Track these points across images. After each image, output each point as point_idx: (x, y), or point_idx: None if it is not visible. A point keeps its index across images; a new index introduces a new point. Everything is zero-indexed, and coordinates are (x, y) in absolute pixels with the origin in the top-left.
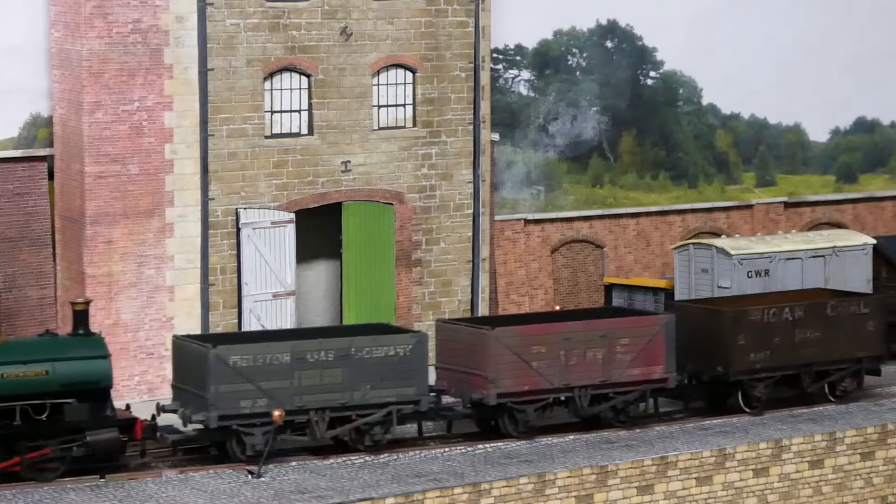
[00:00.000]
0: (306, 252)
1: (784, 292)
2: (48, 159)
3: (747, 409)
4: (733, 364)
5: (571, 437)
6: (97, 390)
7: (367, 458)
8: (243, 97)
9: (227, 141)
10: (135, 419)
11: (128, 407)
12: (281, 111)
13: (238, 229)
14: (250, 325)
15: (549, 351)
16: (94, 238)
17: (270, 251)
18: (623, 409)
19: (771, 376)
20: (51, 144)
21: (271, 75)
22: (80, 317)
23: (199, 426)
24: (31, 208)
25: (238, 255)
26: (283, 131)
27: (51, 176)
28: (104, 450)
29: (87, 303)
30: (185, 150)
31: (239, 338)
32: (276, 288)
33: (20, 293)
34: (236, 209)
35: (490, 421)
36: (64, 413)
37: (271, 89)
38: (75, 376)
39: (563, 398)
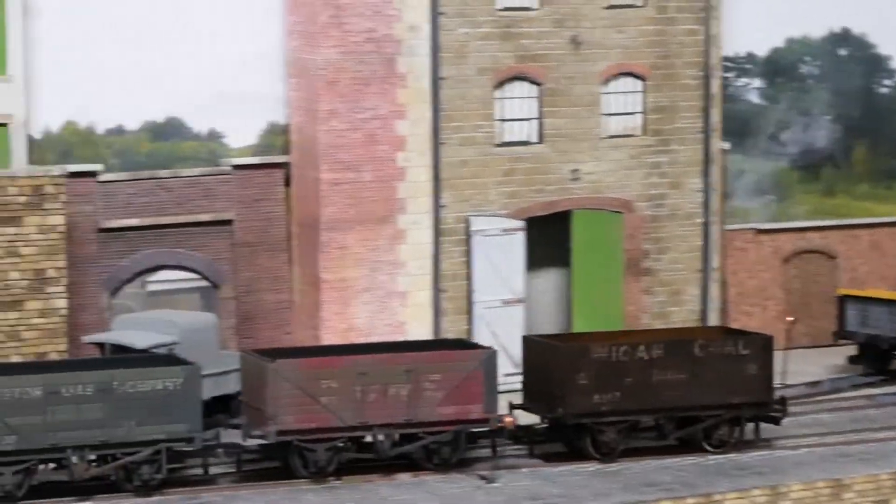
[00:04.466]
0: (534, 259)
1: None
2: (285, 166)
3: (597, 456)
4: (572, 406)
5: (805, 449)
6: None
7: (600, 467)
8: (474, 106)
9: (458, 149)
10: None
11: None
12: (511, 119)
13: (469, 236)
14: (480, 331)
15: (342, 386)
16: (328, 244)
17: (501, 258)
18: (437, 450)
19: (623, 420)
20: (287, 152)
21: (502, 84)
22: None
23: None
24: (269, 214)
25: (468, 262)
26: (514, 140)
27: (287, 182)
28: None
29: None
30: (418, 158)
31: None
32: (505, 295)
33: (258, 297)
34: (467, 216)
35: (284, 460)
36: None
37: (502, 98)
38: None
39: (368, 438)
